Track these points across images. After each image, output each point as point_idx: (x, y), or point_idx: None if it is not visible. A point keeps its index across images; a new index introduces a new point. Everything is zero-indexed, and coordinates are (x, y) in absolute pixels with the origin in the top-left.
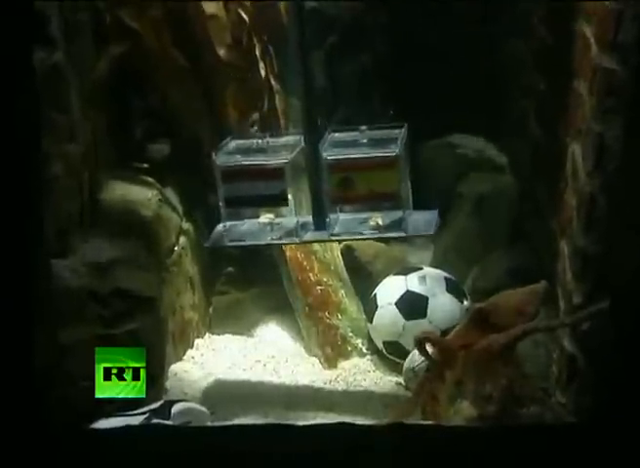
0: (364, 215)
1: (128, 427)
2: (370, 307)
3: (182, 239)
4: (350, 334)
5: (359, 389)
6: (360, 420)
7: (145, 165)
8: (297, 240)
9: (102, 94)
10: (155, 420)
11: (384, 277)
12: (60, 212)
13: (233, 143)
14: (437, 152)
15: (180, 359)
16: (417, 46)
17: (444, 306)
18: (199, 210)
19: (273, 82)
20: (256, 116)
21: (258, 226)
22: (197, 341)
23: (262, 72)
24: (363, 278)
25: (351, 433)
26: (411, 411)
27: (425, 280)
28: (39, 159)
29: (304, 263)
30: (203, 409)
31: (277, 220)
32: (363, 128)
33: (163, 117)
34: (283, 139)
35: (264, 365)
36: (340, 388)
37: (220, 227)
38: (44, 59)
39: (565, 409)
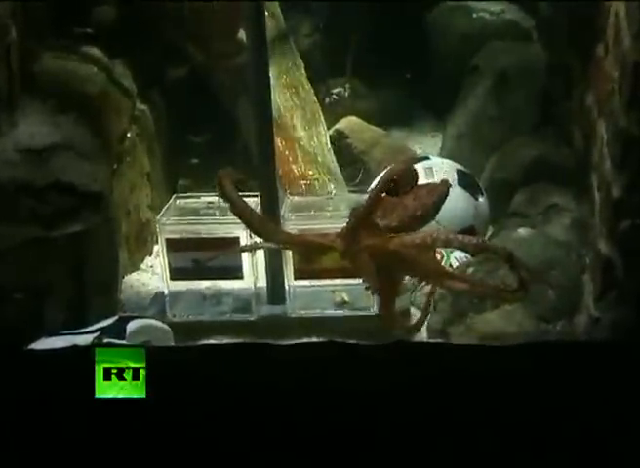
0: (327, 287)
1: (74, 348)
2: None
3: (136, 124)
4: None
5: None
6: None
7: (89, 30)
8: (251, 317)
9: None
10: (107, 340)
11: (383, 169)
12: None
13: (179, 203)
14: (449, 17)
15: (136, 268)
16: None
17: (455, 203)
18: (156, 89)
19: None
20: None
21: (202, 296)
22: (157, 247)
23: None
24: (357, 170)
25: (344, 354)
26: None
27: (433, 172)
28: None
29: (286, 153)
30: (164, 326)
31: (225, 289)
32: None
33: None
34: None
35: None
36: None
37: (160, 295)
38: None
39: (599, 324)
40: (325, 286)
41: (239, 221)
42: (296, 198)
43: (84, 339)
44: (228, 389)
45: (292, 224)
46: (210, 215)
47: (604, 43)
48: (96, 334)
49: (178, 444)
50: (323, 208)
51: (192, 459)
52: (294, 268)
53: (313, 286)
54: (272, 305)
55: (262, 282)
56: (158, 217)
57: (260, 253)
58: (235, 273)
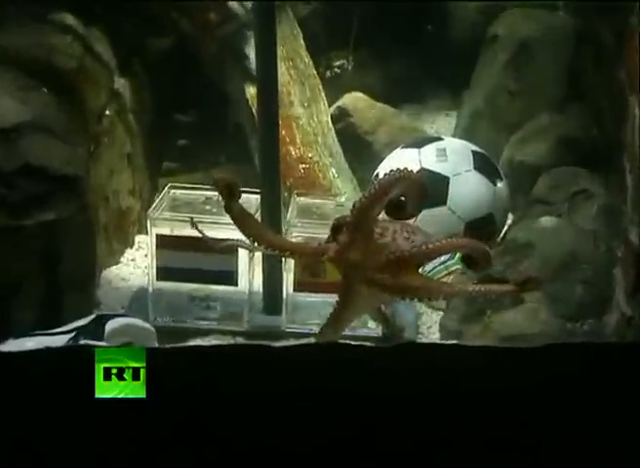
0: (328, 298)
1: (47, 350)
2: None
3: (116, 101)
4: None
5: None
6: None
7: None
8: (242, 328)
9: None
10: (83, 341)
11: (390, 150)
12: None
13: (173, 193)
14: None
15: (116, 261)
16: None
17: (471, 189)
18: (138, 61)
19: None
20: None
21: (191, 300)
22: (139, 238)
23: None
24: (362, 152)
25: (347, 356)
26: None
27: (446, 154)
28: None
29: (283, 133)
30: (147, 325)
31: (216, 292)
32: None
33: None
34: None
35: None
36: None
37: (142, 293)
38: None
39: (632, 323)
40: (327, 297)
41: None
42: (302, 199)
43: (57, 340)
44: (229, 391)
45: (297, 231)
46: (207, 212)
47: (638, 12)
48: (71, 335)
49: (177, 444)
50: (332, 215)
51: (192, 460)
52: (295, 280)
53: (313, 297)
54: (267, 316)
55: (258, 288)
56: (150, 211)
57: (259, 257)
58: (229, 279)
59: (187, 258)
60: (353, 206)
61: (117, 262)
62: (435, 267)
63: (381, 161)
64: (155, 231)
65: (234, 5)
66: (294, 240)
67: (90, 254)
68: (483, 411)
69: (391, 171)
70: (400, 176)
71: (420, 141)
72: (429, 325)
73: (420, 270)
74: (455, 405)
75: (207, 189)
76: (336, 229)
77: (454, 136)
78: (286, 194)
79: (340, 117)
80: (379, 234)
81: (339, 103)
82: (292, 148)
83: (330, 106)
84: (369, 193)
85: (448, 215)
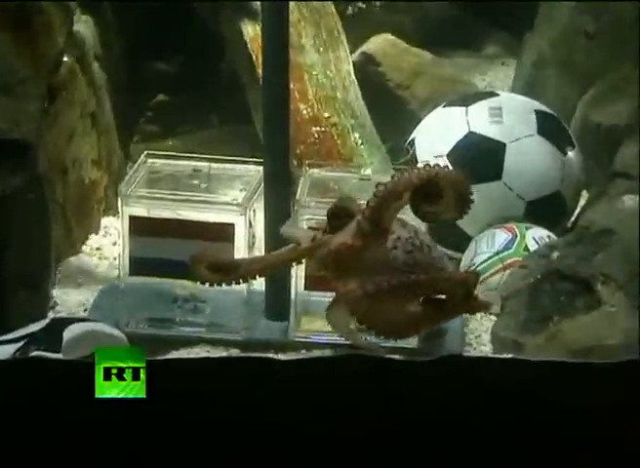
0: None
1: None
2: (404, 162)
3: (76, 46)
4: None
5: None
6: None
7: None
8: (237, 336)
9: None
10: (36, 351)
11: (430, 109)
12: None
13: (151, 164)
14: None
15: (76, 251)
16: None
17: (534, 160)
18: None
19: None
20: None
21: (174, 301)
22: (105, 221)
23: None
24: (393, 111)
25: (372, 372)
26: None
27: (501, 114)
28: None
29: (291, 86)
30: (116, 332)
31: (206, 291)
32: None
33: None
34: (231, 168)
35: None
36: None
37: (112, 294)
38: None
39: None
40: None
41: (235, 202)
42: (316, 172)
43: (3, 351)
44: (220, 416)
45: (309, 213)
46: (195, 188)
47: None
48: (19, 344)
49: (177, 444)
50: (354, 192)
51: (192, 460)
52: (306, 275)
53: (329, 297)
54: (270, 321)
55: (260, 285)
56: (121, 186)
57: (261, 246)
58: None
59: (169, 247)
60: (375, 189)
61: (78, 252)
62: (489, 258)
63: (418, 123)
64: (128, 212)
65: None
66: (303, 230)
67: (43, 242)
68: (547, 443)
69: (419, 167)
70: (427, 176)
71: (469, 98)
72: (479, 333)
73: None
74: (510, 434)
75: (194, 158)
76: (333, 215)
77: (512, 90)
78: (295, 165)
79: (366, 66)
80: None
81: (363, 48)
82: (303, 106)
83: (352, 52)
84: (378, 195)
85: (503, 193)
